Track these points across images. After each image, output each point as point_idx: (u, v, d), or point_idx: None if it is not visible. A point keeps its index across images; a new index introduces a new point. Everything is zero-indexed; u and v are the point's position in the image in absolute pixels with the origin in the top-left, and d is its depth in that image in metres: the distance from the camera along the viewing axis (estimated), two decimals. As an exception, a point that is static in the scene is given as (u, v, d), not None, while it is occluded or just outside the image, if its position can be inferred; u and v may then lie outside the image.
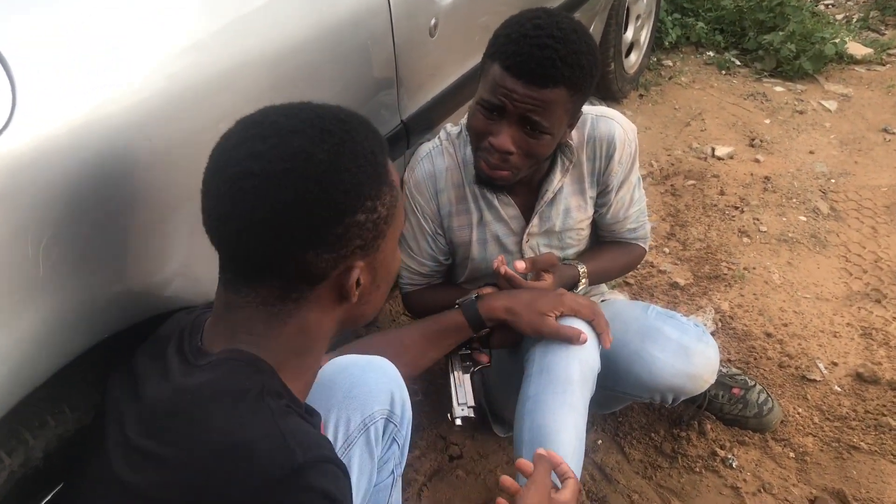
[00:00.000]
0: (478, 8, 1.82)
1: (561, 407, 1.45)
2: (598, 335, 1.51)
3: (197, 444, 0.83)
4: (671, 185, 3.07)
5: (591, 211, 1.72)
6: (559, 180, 1.63)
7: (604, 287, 1.96)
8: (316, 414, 1.10)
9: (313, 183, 0.84)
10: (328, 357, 1.32)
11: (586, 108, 1.63)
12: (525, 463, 1.27)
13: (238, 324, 0.92)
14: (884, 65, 4.14)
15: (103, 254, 0.99)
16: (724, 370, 2.02)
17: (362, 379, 1.24)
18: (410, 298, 1.84)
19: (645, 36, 3.88)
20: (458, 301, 1.54)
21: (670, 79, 4.00)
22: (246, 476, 0.79)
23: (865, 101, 3.77)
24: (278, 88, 1.25)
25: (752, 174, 3.11)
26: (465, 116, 1.64)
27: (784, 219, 2.83)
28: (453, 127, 1.71)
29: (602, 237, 1.83)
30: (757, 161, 3.22)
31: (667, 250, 2.71)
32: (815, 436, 1.96)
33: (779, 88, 3.93)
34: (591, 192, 1.69)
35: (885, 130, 3.48)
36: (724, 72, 4.10)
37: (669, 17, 4.34)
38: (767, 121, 3.60)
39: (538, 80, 1.38)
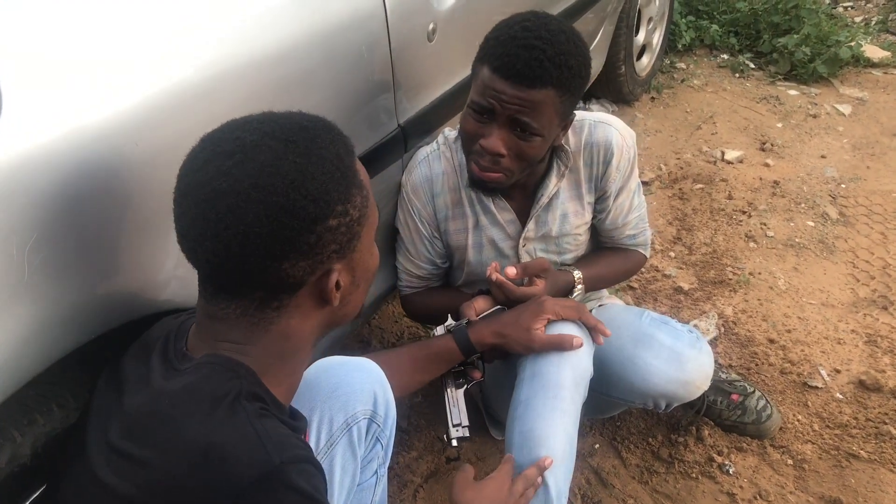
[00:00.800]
0: (477, 14, 1.83)
1: (552, 412, 1.46)
2: (591, 330, 1.53)
3: (174, 446, 0.84)
4: (679, 189, 3.06)
5: (588, 216, 1.72)
6: (555, 184, 1.63)
7: (603, 292, 1.96)
8: (302, 418, 1.12)
9: (281, 196, 0.85)
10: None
11: (584, 114, 1.64)
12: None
13: (220, 332, 0.94)
14: (901, 68, 4.11)
15: (89, 256, 1.01)
16: (724, 376, 2.01)
17: (346, 379, 1.25)
18: (409, 301, 1.85)
19: (657, 39, 3.86)
20: (449, 328, 1.56)
21: (683, 81, 3.99)
22: (222, 478, 0.80)
23: (881, 105, 3.74)
24: (271, 92, 1.26)
25: (761, 178, 3.09)
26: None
27: (792, 224, 2.81)
28: (451, 132, 1.72)
29: (602, 243, 1.83)
30: (767, 165, 3.20)
31: (672, 254, 2.70)
32: (814, 443, 1.95)
33: (793, 92, 3.90)
34: (588, 198, 1.69)
35: (900, 135, 3.46)
36: (737, 75, 4.08)
37: (684, 20, 4.32)
38: (780, 125, 3.58)
39: (526, 81, 1.39)
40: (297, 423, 1.04)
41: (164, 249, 1.11)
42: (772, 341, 2.28)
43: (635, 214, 1.77)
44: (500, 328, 1.50)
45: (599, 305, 1.86)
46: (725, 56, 4.27)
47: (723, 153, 3.28)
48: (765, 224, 2.81)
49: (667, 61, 4.15)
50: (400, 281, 1.83)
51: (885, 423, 1.99)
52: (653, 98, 3.85)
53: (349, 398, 1.24)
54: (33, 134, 0.93)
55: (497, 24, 1.47)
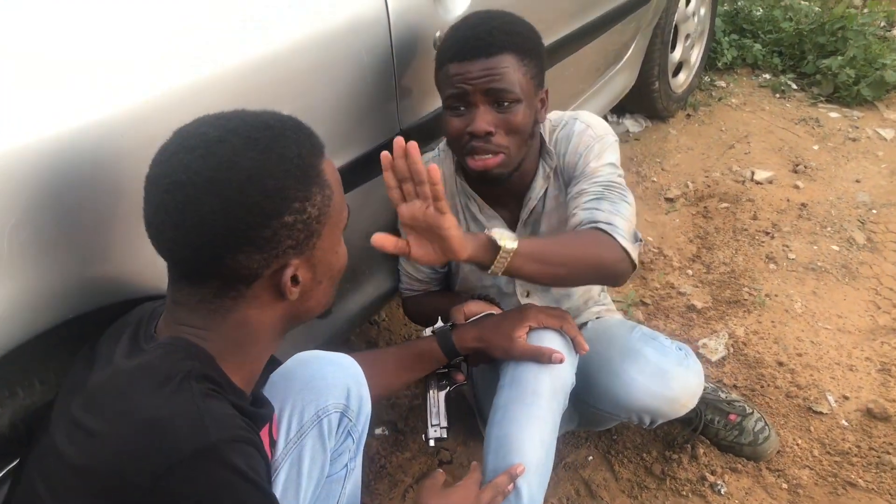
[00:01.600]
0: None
1: (528, 419, 1.47)
2: (572, 339, 1.53)
3: (122, 419, 0.88)
4: (704, 208, 3.04)
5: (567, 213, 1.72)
6: (541, 186, 1.65)
7: (603, 304, 1.95)
8: (268, 405, 1.16)
9: (235, 191, 0.90)
10: None
11: (561, 113, 1.66)
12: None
13: (182, 317, 0.99)
14: (951, 94, 4.01)
15: (69, 240, 1.07)
16: (723, 395, 2.00)
17: (320, 372, 1.29)
18: (408, 304, 1.89)
19: (696, 56, 3.84)
20: (433, 329, 1.59)
21: (720, 100, 3.95)
22: (160, 451, 0.84)
23: (925, 131, 3.66)
24: (269, 93, 1.31)
25: (788, 200, 3.05)
26: None
27: (815, 247, 2.77)
28: (443, 142, 1.75)
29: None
30: (796, 187, 3.15)
31: (690, 272, 2.68)
32: (812, 469, 1.92)
33: (834, 115, 3.83)
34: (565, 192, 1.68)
35: (940, 162, 3.37)
36: (778, 95, 4.03)
37: (726, 38, 4.29)
38: (816, 147, 3.52)
39: (482, 53, 1.47)
40: (260, 410, 1.08)
41: (142, 238, 1.16)
42: (781, 364, 2.25)
43: (598, 200, 1.53)
44: (482, 333, 1.53)
45: (596, 318, 1.87)
46: (767, 76, 4.22)
47: (752, 173, 3.24)
48: (787, 246, 2.77)
49: (706, 79, 4.12)
50: (401, 283, 1.87)
51: (889, 454, 1.95)
52: (688, 115, 3.82)
53: (322, 391, 1.28)
54: (19, 125, 0.98)
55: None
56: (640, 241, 1.55)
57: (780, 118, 3.80)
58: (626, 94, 3.26)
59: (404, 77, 1.64)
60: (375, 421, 2.06)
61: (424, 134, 1.76)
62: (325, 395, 1.28)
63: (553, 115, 1.69)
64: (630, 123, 3.69)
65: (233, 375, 1.00)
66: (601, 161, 1.59)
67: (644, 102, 3.56)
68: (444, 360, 1.56)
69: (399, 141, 1.29)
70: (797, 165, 3.34)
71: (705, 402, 1.93)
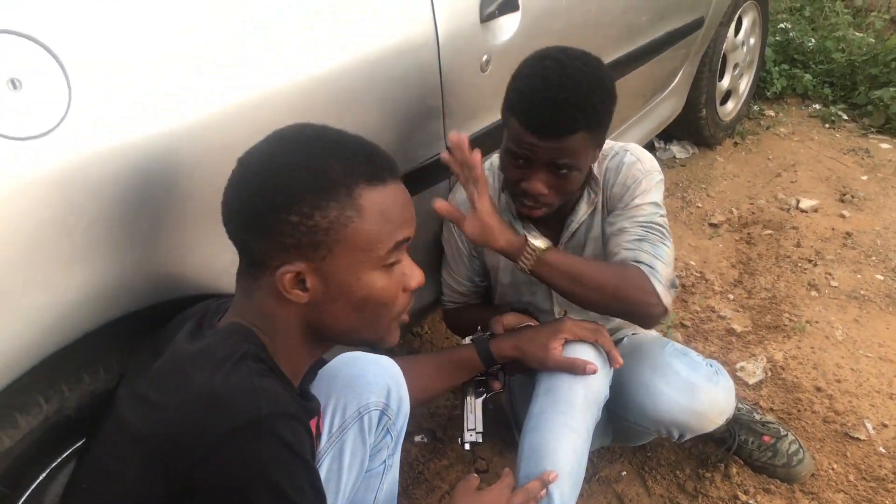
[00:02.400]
0: (532, 48, 1.92)
1: (561, 427, 1.52)
2: (607, 353, 1.58)
3: (182, 392, 0.97)
4: (747, 234, 3.06)
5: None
6: (585, 212, 1.70)
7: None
8: (314, 399, 1.24)
9: (259, 179, 1.01)
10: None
11: (611, 143, 1.71)
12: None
13: (238, 303, 1.09)
14: None
15: (134, 239, 1.16)
16: (758, 417, 2.02)
17: (362, 372, 1.37)
18: (449, 315, 1.96)
19: (744, 85, 3.86)
20: (472, 338, 1.66)
21: (769, 129, 3.97)
22: (216, 421, 0.92)
23: (977, 164, 3.62)
24: (320, 112, 1.39)
25: (833, 228, 3.05)
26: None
27: (859, 276, 2.77)
28: (495, 156, 1.82)
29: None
30: (842, 216, 3.15)
31: (731, 297, 2.70)
32: (846, 493, 1.93)
33: (885, 146, 3.82)
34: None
35: None
36: (827, 125, 4.02)
37: (776, 68, 4.30)
38: (865, 177, 3.51)
39: (555, 133, 1.46)
40: (308, 403, 1.17)
41: (200, 238, 1.26)
42: (819, 389, 2.26)
43: (648, 245, 1.58)
44: (518, 343, 1.59)
45: (633, 334, 1.92)
46: (817, 106, 4.22)
47: (798, 201, 3.25)
48: (830, 274, 2.78)
49: (755, 108, 4.13)
50: (443, 295, 1.94)
51: (926, 482, 1.95)
52: (736, 143, 3.84)
53: (363, 389, 1.35)
54: (96, 127, 1.09)
55: (519, 66, 1.55)
56: (676, 287, 1.60)
57: (828, 148, 3.80)
58: (674, 121, 3.30)
59: (451, 98, 1.72)
60: (415, 429, 2.13)
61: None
62: (366, 394, 1.35)
63: (605, 145, 1.68)
64: (677, 149, 3.72)
65: (282, 367, 1.08)
66: (646, 198, 1.64)
67: (691, 129, 3.60)
68: (481, 368, 1.62)
69: (452, 135, 1.49)
70: (844, 195, 3.34)
71: (739, 422, 1.96)
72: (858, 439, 2.09)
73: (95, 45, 1.10)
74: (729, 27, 3.42)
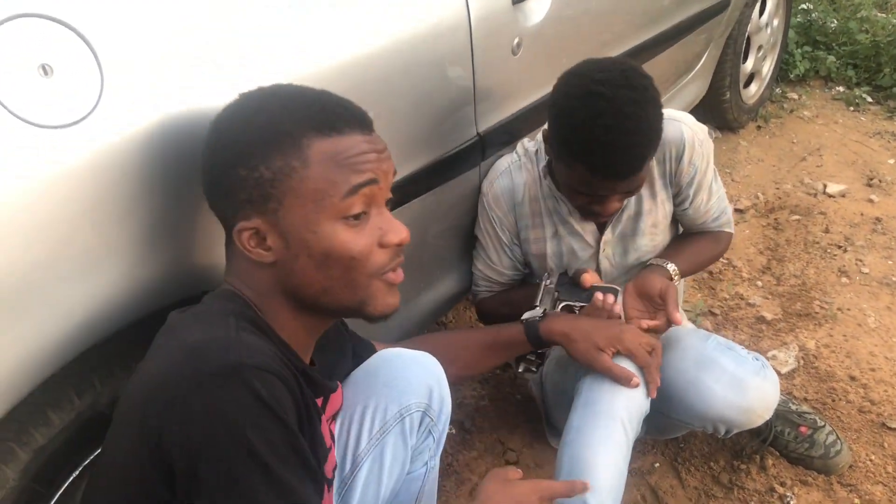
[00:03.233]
0: (564, 31, 1.88)
1: (602, 442, 1.48)
2: (647, 383, 1.54)
3: (167, 349, 0.95)
4: (774, 220, 3.00)
5: (663, 214, 1.76)
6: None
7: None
8: (332, 382, 1.20)
9: (216, 138, 1.02)
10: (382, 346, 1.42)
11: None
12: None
13: (225, 272, 1.09)
14: None
15: (170, 231, 1.13)
16: (794, 407, 1.98)
17: (403, 372, 1.32)
18: (485, 304, 1.90)
19: (768, 67, 3.79)
20: (523, 317, 1.60)
21: (792, 112, 3.90)
22: (190, 369, 0.88)
23: None
24: (351, 95, 1.35)
25: (862, 214, 3.00)
26: (541, 133, 1.71)
27: (890, 262, 2.72)
28: (530, 142, 1.78)
29: (687, 230, 1.89)
30: (870, 201, 3.10)
31: (759, 283, 2.66)
32: (885, 485, 1.89)
33: (911, 128, 3.75)
34: (662, 195, 1.73)
35: None
36: (851, 108, 3.95)
37: (799, 50, 4.22)
38: (892, 161, 3.45)
39: (629, 174, 1.49)
40: (316, 377, 1.10)
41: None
42: (853, 378, 2.21)
43: (715, 199, 1.82)
44: (571, 332, 1.52)
45: (667, 325, 1.87)
46: (841, 88, 4.15)
47: (825, 186, 3.19)
48: (860, 260, 2.73)
49: (777, 91, 4.06)
50: (477, 286, 1.88)
51: (966, 473, 1.91)
52: (759, 127, 3.78)
53: (404, 390, 1.30)
54: (129, 117, 1.05)
55: (562, 97, 1.51)
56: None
57: (853, 131, 3.73)
58: (697, 104, 3.24)
59: (482, 82, 1.67)
60: (443, 420, 2.09)
61: (500, 138, 1.79)
62: (407, 395, 1.30)
63: None
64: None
65: (280, 332, 1.04)
66: (711, 169, 1.77)
67: (715, 113, 3.53)
68: (528, 348, 1.57)
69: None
70: (871, 179, 3.28)
71: (776, 413, 1.91)
72: None
73: (127, 29, 1.06)
74: (754, 8, 3.35)
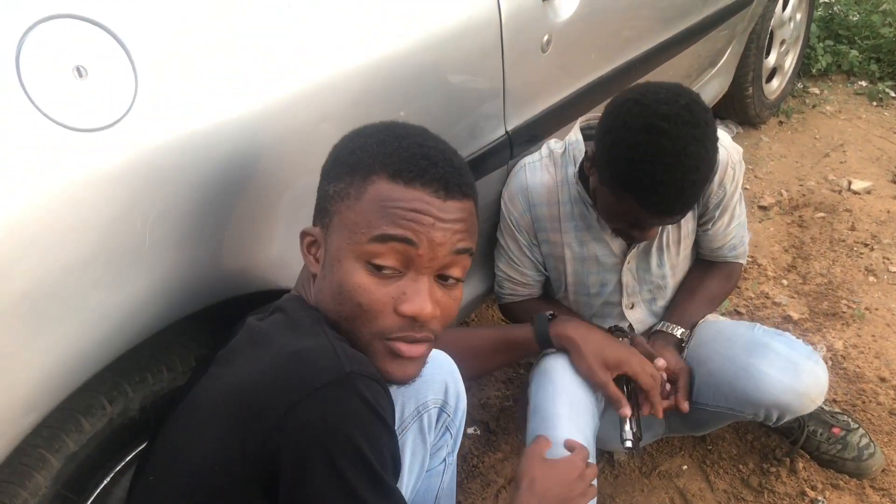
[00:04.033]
0: (593, 28, 1.85)
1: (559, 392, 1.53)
2: (638, 406, 1.56)
3: (262, 355, 0.93)
4: (799, 217, 2.96)
5: (690, 230, 1.72)
6: None
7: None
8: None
9: (333, 147, 1.07)
10: None
11: None
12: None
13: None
14: None
15: (202, 235, 1.11)
16: (827, 408, 1.94)
17: None
18: (510, 309, 1.88)
19: (790, 62, 3.75)
20: (535, 315, 1.59)
21: (814, 107, 3.85)
22: (298, 378, 0.88)
23: None
24: (382, 93, 1.33)
25: (888, 211, 2.95)
26: (571, 134, 1.68)
27: (918, 260, 2.68)
28: (557, 143, 1.74)
29: (700, 255, 1.83)
30: (897, 198, 3.06)
31: (785, 282, 2.62)
32: (919, 490, 1.86)
33: (936, 124, 3.70)
34: (689, 213, 1.69)
35: None
36: (875, 103, 3.90)
37: (821, 44, 4.17)
38: (917, 157, 3.41)
39: (683, 212, 1.47)
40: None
41: (271, 236, 1.20)
42: (883, 380, 2.18)
43: (735, 224, 1.77)
44: (582, 342, 1.52)
45: (703, 320, 1.84)
46: (864, 83, 4.09)
47: (849, 183, 3.15)
48: (888, 258, 2.69)
49: (799, 85, 4.02)
50: (501, 288, 1.85)
51: None
52: (781, 122, 3.73)
53: (421, 387, 1.30)
54: (163, 120, 1.03)
55: (614, 123, 1.41)
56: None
57: (877, 126, 3.68)
58: (719, 100, 3.20)
59: (512, 80, 1.65)
60: (467, 420, 2.07)
61: (529, 136, 1.77)
62: (423, 391, 1.30)
63: None
64: (721, 129, 3.61)
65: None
66: (737, 196, 1.72)
67: (737, 108, 3.49)
68: (536, 349, 1.57)
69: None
70: (897, 176, 3.23)
71: (809, 412, 1.88)
72: (928, 432, 2.01)
73: (162, 30, 1.04)
74: (777, 2, 3.31)
